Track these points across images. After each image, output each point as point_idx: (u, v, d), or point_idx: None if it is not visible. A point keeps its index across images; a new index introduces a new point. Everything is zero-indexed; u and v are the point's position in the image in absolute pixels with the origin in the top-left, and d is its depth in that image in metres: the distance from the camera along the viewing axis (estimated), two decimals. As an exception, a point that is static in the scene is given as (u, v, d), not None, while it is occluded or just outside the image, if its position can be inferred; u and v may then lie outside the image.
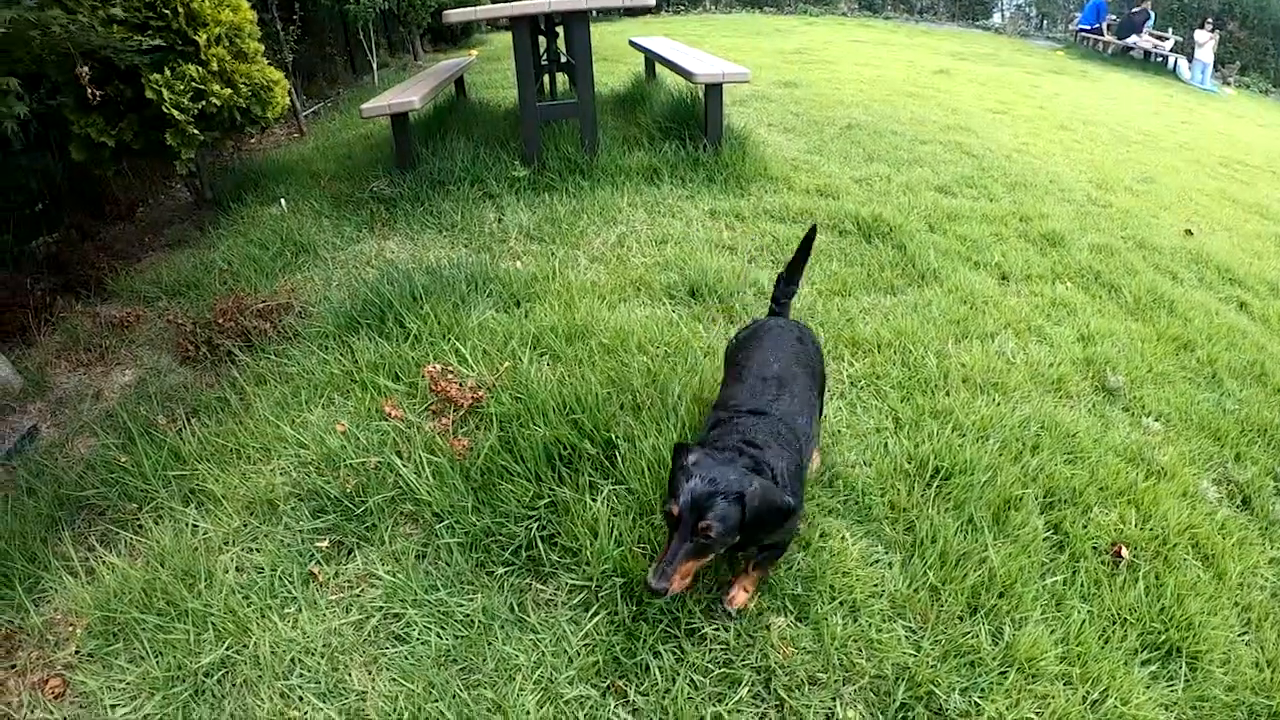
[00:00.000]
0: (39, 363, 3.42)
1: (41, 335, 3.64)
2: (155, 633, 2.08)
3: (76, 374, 3.37)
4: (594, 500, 2.25)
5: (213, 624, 2.07)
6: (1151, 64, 15.57)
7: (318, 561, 2.23)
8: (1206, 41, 14.99)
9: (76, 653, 2.14)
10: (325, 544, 2.27)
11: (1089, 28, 16.35)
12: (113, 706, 1.94)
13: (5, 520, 2.56)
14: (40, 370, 3.36)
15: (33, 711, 2.01)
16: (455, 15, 4.79)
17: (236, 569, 2.23)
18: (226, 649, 2.01)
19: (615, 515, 2.23)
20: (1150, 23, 15.94)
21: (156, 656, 2.03)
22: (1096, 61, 15.28)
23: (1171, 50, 15.43)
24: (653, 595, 1.63)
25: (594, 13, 4.94)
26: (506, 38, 14.50)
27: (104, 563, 2.33)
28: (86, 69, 3.40)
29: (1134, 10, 15.80)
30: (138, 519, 2.49)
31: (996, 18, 20.27)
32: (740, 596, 2.01)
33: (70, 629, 2.22)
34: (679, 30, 13.82)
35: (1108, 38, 16.03)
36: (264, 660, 1.98)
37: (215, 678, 1.97)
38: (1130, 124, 8.91)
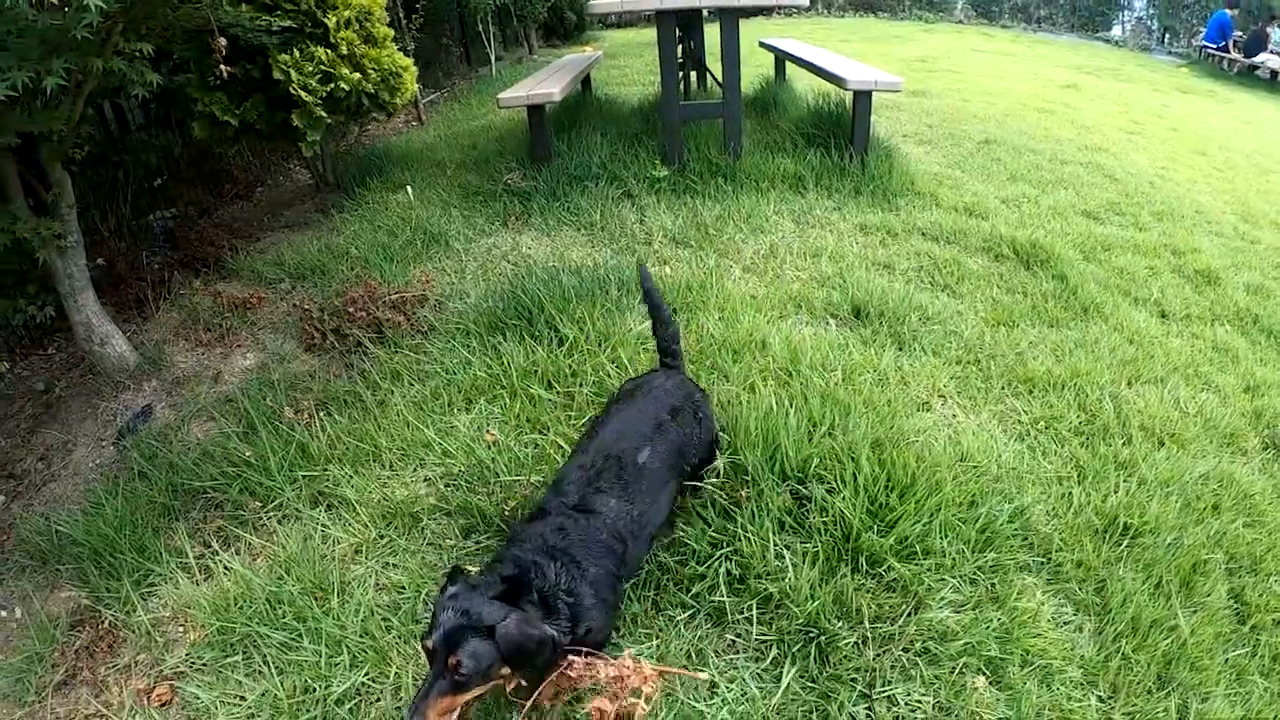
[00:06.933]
0: (156, 339, 3.42)
1: (159, 311, 3.64)
2: (280, 650, 1.96)
3: (195, 353, 3.34)
4: (788, 547, 2.03)
5: (347, 647, 1.92)
6: (1279, 85, 14.75)
7: (467, 587, 2.05)
8: None
9: (187, 658, 2.04)
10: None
11: (1215, 45, 15.73)
12: (226, 726, 1.83)
13: (115, 505, 2.50)
14: (157, 347, 3.34)
15: (134, 717, 1.93)
16: (600, 6, 4.70)
17: (375, 586, 2.08)
18: (364, 676, 1.86)
19: (810, 564, 2.01)
20: (1277, 40, 15.19)
21: (280, 675, 1.91)
22: (1222, 81, 14.60)
23: (1305, 71, 14.64)
24: None
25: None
26: (622, 35, 14.76)
27: (222, 564, 2.23)
28: (224, 40, 3.41)
29: (1264, 26, 15.06)
30: (260, 518, 2.39)
31: (1116, 30, 19.74)
32: None
33: (181, 631, 2.13)
34: (792, 34, 13.63)
35: (1234, 55, 15.36)
36: (407, 693, 1.82)
37: (348, 707, 1.83)
38: (1265, 151, 8.49)
